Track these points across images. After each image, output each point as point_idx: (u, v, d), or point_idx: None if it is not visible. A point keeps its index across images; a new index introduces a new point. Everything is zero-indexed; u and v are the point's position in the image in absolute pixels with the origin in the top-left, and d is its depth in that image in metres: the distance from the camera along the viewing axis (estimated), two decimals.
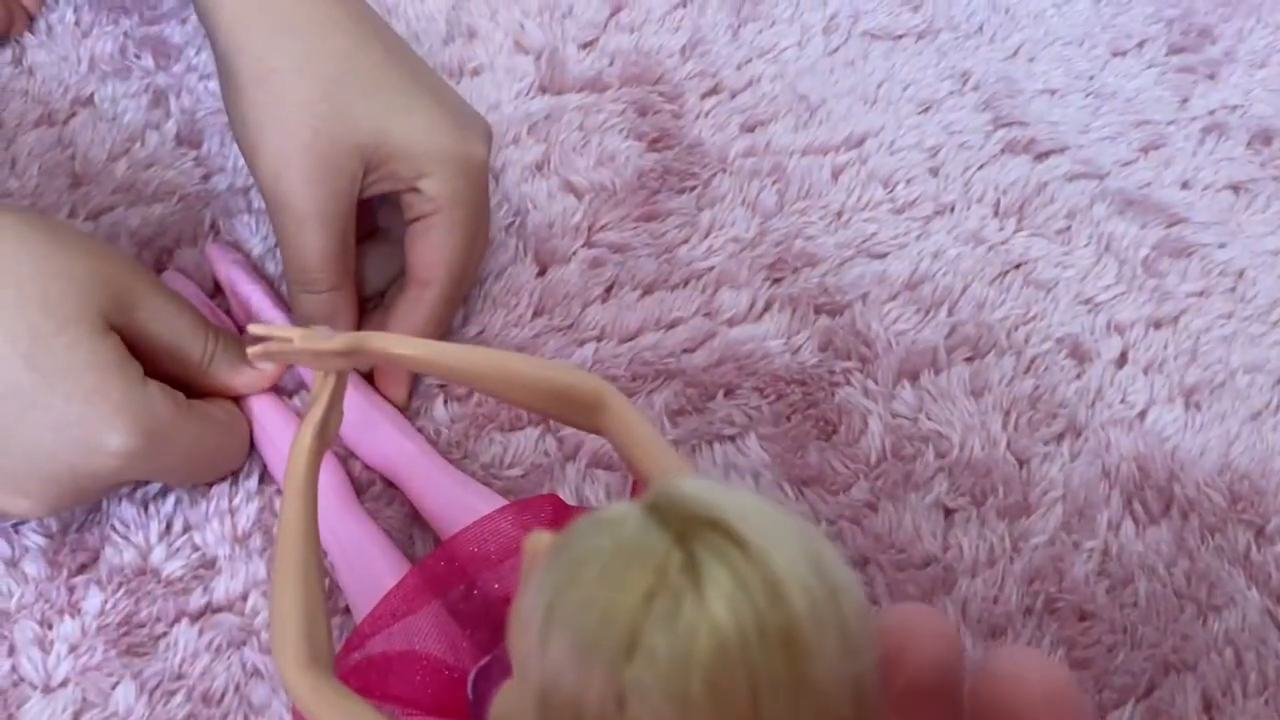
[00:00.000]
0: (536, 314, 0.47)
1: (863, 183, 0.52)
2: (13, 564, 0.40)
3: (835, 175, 0.52)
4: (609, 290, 0.48)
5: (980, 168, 0.53)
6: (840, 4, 0.57)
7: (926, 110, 0.54)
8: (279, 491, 0.42)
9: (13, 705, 0.38)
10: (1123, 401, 0.47)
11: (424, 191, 0.40)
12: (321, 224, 0.39)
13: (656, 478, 0.26)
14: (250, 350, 0.29)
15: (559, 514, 0.38)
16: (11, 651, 0.38)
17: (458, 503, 0.39)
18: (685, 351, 0.46)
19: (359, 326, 0.43)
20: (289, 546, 0.28)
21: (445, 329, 0.44)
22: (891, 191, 0.52)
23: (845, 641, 0.16)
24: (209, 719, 0.38)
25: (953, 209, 0.51)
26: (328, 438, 0.31)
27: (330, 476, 0.40)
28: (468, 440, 0.43)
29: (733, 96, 0.54)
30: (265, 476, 0.42)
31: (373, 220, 0.46)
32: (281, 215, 0.39)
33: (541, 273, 0.48)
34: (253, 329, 0.29)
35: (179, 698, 0.38)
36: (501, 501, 0.40)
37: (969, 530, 0.43)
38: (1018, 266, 0.50)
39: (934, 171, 0.52)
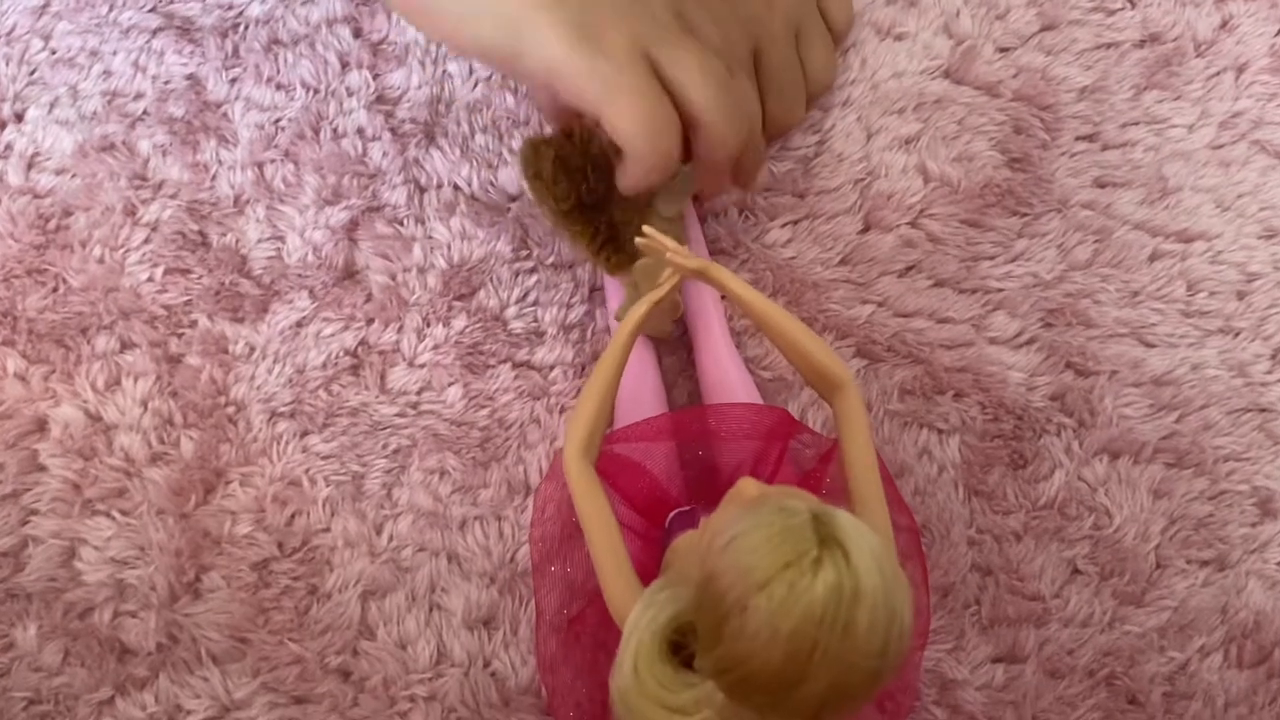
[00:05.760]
0: (842, 262, 0.57)
1: (1172, 276, 0.57)
2: (421, 272, 0.56)
3: (1152, 259, 0.57)
4: (908, 269, 0.57)
5: None
6: (1251, 105, 0.60)
7: (1269, 238, 0.58)
8: (604, 306, 0.55)
9: (388, 364, 0.55)
10: (1278, 564, 0.52)
11: None
12: None
13: (848, 469, 0.38)
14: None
15: (782, 423, 0.49)
16: (401, 329, 0.55)
17: (725, 381, 0.52)
18: (941, 346, 0.55)
19: None
20: (602, 375, 0.41)
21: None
22: (1192, 295, 0.57)
23: (884, 647, 0.27)
24: (497, 436, 0.54)
25: (1236, 334, 0.56)
26: (656, 311, 0.43)
27: None
28: (744, 335, 0.55)
29: (1103, 150, 0.59)
30: (595, 297, 0.55)
31: None
32: None
33: (864, 231, 0.57)
34: (647, 230, 0.40)
35: (484, 412, 0.54)
36: (756, 393, 0.52)
37: (1083, 592, 0.52)
38: (1261, 411, 0.55)
39: (1240, 295, 0.57)
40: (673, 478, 0.48)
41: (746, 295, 0.41)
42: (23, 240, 0.56)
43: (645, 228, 0.41)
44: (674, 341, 0.55)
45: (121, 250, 0.56)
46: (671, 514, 0.43)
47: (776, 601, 0.26)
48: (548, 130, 0.56)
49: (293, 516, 0.53)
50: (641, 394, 0.51)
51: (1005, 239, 0.57)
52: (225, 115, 0.58)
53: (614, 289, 0.54)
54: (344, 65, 0.59)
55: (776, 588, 0.26)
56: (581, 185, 0.46)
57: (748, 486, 0.32)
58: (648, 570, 0.44)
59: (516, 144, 0.57)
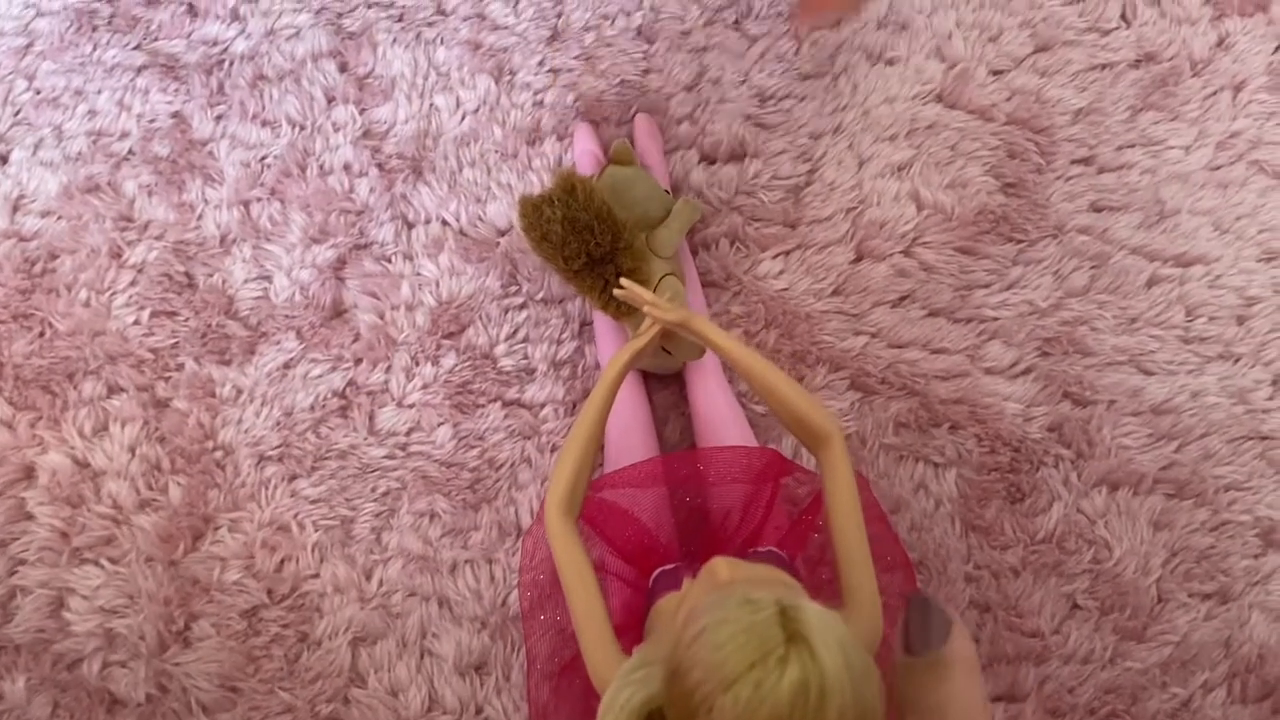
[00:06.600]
0: (835, 293, 0.56)
1: (1170, 302, 0.56)
2: (409, 309, 0.55)
3: (1150, 284, 0.56)
4: (902, 299, 0.56)
5: None
6: (1249, 125, 0.59)
7: (1269, 260, 0.57)
8: (594, 345, 0.55)
9: (377, 405, 0.54)
10: None
11: None
12: None
13: (831, 521, 0.37)
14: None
15: (772, 464, 0.48)
16: (390, 369, 0.54)
17: (717, 417, 0.51)
18: (937, 378, 0.55)
19: None
20: (586, 422, 0.41)
21: None
22: (1191, 321, 0.56)
23: None
24: (487, 477, 0.53)
25: (1237, 360, 0.55)
26: (638, 361, 0.43)
27: None
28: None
29: (1099, 173, 0.58)
30: (585, 333, 0.55)
31: None
32: None
33: (856, 260, 0.57)
34: (624, 283, 0.41)
35: (474, 453, 0.54)
36: (750, 433, 0.51)
37: (1083, 628, 0.51)
38: (1263, 439, 0.54)
39: (1241, 320, 0.56)
40: (662, 525, 0.48)
41: (726, 345, 0.41)
42: (8, 285, 0.55)
43: (623, 280, 0.41)
44: (667, 377, 0.54)
45: (108, 293, 0.55)
46: (655, 573, 0.43)
47: (742, 703, 0.27)
48: (540, 188, 0.56)
49: (282, 562, 0.52)
50: (632, 433, 0.51)
51: (1000, 266, 0.57)
52: (211, 153, 0.58)
53: (604, 328, 0.53)
54: (330, 100, 0.58)
55: (742, 689, 0.27)
56: (590, 241, 0.45)
57: (720, 568, 0.32)
58: (636, 618, 0.43)
59: (505, 177, 0.57)
